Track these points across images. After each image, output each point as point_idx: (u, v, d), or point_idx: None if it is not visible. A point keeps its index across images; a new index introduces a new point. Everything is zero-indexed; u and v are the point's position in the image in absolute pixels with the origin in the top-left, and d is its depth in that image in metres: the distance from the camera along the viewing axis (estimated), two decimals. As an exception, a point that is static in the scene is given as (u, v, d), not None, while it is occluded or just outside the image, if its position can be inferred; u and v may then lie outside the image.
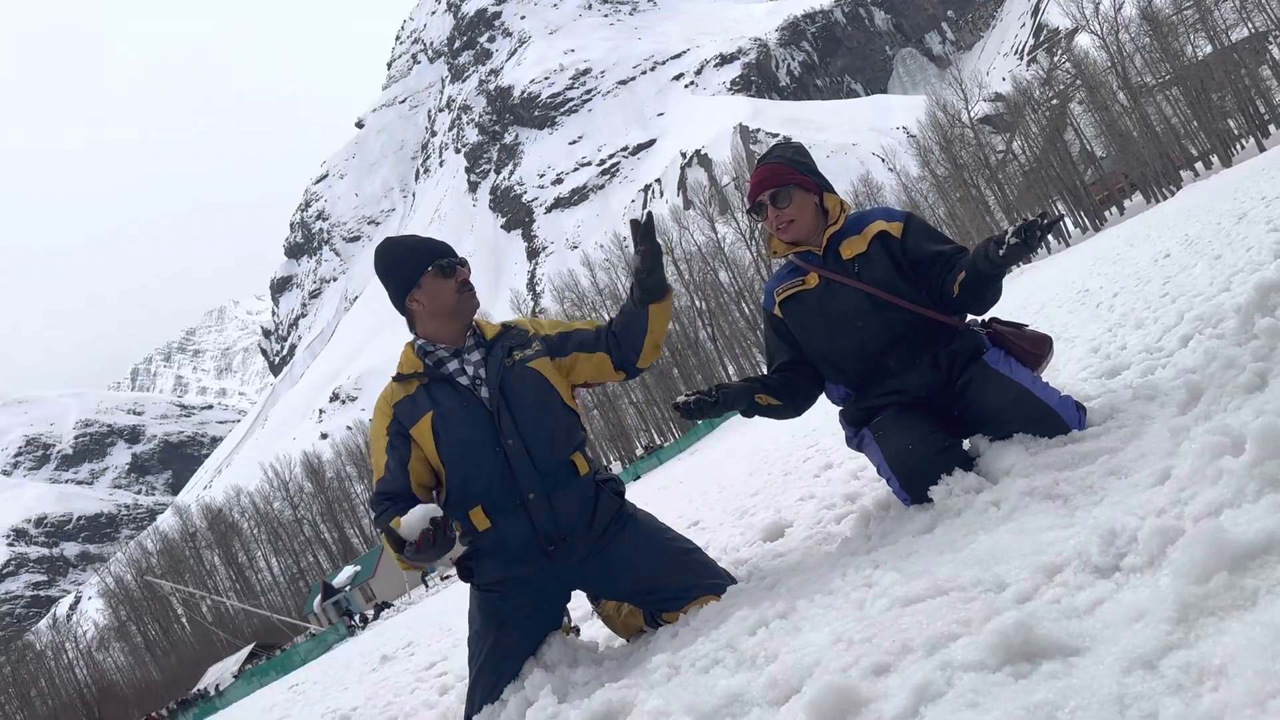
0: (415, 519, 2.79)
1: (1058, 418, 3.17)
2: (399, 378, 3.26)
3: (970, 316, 3.42)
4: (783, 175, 3.38)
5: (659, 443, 48.20)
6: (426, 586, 42.94)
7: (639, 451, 49.42)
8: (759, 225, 3.64)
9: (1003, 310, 4.13)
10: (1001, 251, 3.00)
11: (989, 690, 1.43)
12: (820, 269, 3.37)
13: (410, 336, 3.42)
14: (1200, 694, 1.18)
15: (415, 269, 3.25)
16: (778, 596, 2.97)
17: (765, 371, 3.61)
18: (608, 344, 3.35)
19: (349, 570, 43.38)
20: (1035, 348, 3.45)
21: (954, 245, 3.38)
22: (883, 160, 65.54)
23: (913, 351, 3.29)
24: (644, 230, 3.13)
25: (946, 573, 2.26)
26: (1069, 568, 1.84)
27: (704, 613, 3.20)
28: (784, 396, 3.45)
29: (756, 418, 3.49)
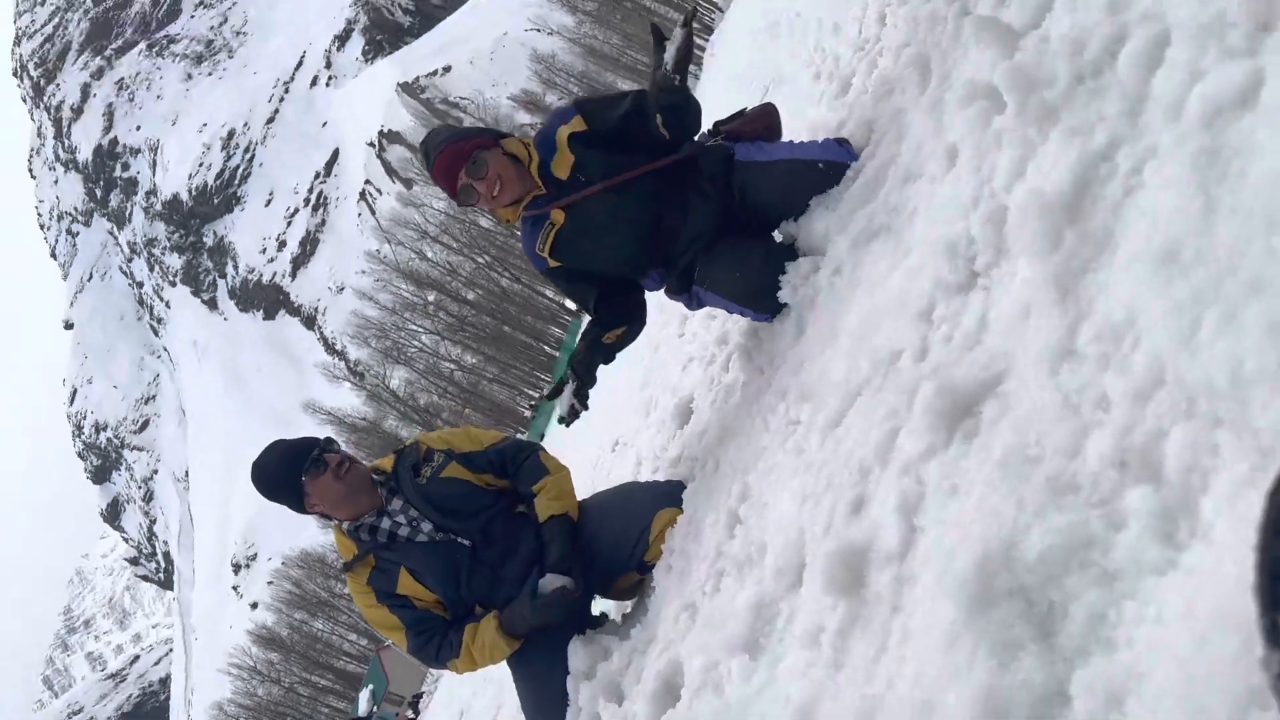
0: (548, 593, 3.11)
1: (830, 164, 3.20)
2: (348, 567, 3.27)
3: (698, 136, 3.41)
4: (460, 150, 3.24)
5: (535, 398, 48.06)
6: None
7: (527, 413, 49.18)
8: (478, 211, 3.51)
9: (725, 106, 4.14)
10: (665, 71, 2.97)
11: (956, 467, 1.42)
12: (554, 202, 3.28)
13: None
14: (1129, 355, 1.17)
15: (291, 487, 3.25)
16: (725, 479, 2.97)
17: (587, 315, 3.56)
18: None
19: (364, 694, 42.25)
20: (763, 120, 3.51)
21: (631, 95, 3.33)
22: (539, 30, 64.87)
23: (678, 201, 3.27)
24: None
25: (842, 369, 2.26)
26: (938, 300, 1.84)
27: (678, 533, 3.19)
28: (623, 320, 3.43)
29: (618, 355, 3.48)
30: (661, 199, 3.25)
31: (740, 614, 2.02)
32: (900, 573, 1.42)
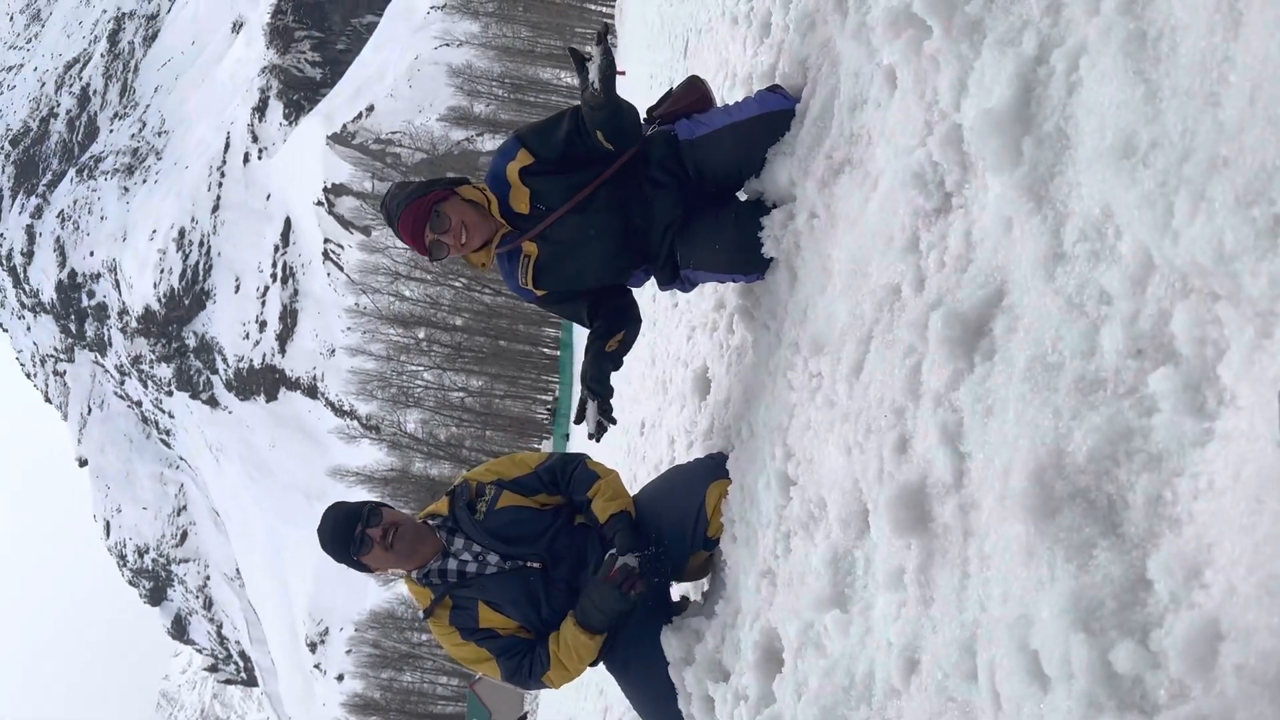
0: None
1: (772, 115, 3.24)
2: (429, 613, 3.35)
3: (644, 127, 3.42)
4: (419, 209, 3.27)
5: (550, 400, 48.17)
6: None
7: (545, 420, 49.30)
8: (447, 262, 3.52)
9: (648, 67, 4.14)
10: (593, 90, 2.97)
11: (985, 388, 1.47)
12: (523, 236, 3.32)
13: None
14: (1115, 246, 1.23)
15: (349, 560, 3.35)
16: (764, 443, 3.03)
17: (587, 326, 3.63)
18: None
19: (471, 727, 42.63)
20: (692, 93, 3.54)
21: (568, 114, 3.34)
22: (447, 44, 64.41)
23: (637, 198, 3.30)
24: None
25: (846, 312, 2.31)
26: (921, 229, 1.89)
27: (733, 502, 3.25)
28: (620, 324, 3.50)
29: (625, 358, 3.55)
30: (622, 203, 3.28)
31: (819, 571, 2.09)
32: (961, 500, 1.48)
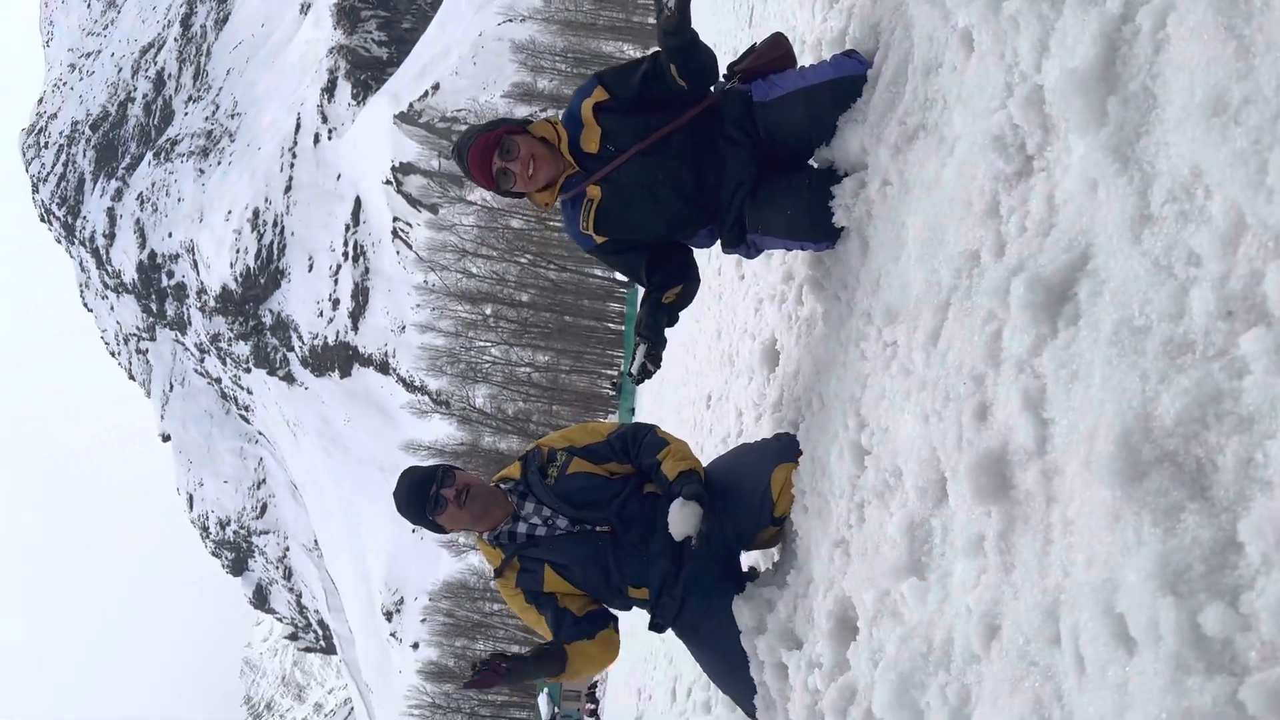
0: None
1: (846, 79, 3.20)
2: (499, 573, 3.42)
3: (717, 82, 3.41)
4: (489, 139, 3.31)
5: (614, 374, 48.45)
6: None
7: (611, 393, 49.58)
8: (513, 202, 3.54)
9: (715, 34, 4.11)
10: (668, 11, 2.95)
11: (1069, 353, 1.46)
12: (588, 179, 3.32)
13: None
14: (1205, 206, 1.20)
15: (426, 523, 3.43)
16: (835, 413, 3.02)
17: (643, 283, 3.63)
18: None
19: (542, 699, 43.24)
20: (774, 51, 3.48)
21: (648, 57, 3.35)
22: (511, 20, 64.49)
23: (711, 153, 3.28)
24: None
25: (922, 280, 2.29)
26: (999, 193, 1.86)
27: (805, 473, 3.24)
28: (678, 279, 3.52)
29: (680, 314, 3.56)
30: (695, 154, 3.26)
31: (895, 539, 2.09)
32: (1044, 466, 1.47)
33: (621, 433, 3.54)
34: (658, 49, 3.23)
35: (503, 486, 3.49)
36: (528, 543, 3.38)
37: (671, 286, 3.49)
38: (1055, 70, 1.59)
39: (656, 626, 3.47)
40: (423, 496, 3.34)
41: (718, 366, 8.92)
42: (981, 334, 1.78)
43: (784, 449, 3.44)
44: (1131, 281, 1.33)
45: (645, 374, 3.42)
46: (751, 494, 3.38)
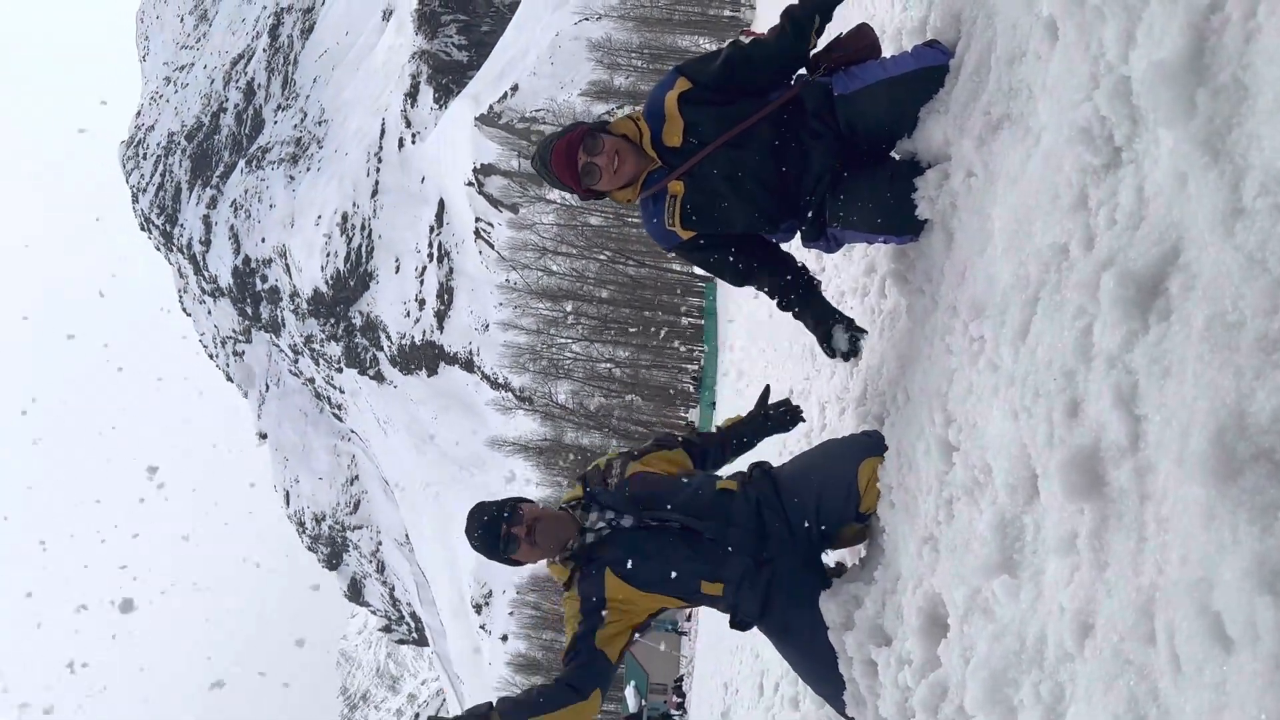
0: None
1: (928, 71, 3.16)
2: (567, 586, 3.39)
3: (800, 72, 3.40)
4: (573, 138, 3.35)
5: (693, 370, 48.49)
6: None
7: (690, 387, 49.61)
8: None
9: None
10: None
11: (1161, 349, 1.44)
12: (670, 175, 3.34)
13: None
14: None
15: (496, 554, 3.42)
16: (922, 408, 2.99)
17: (732, 284, 3.66)
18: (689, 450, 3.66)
19: (629, 691, 43.49)
20: (858, 41, 3.44)
21: (727, 46, 3.36)
22: (587, 19, 64.88)
23: (793, 145, 3.26)
24: None
25: (1009, 273, 2.26)
26: (1089, 185, 1.84)
27: (891, 468, 3.22)
28: (783, 263, 3.61)
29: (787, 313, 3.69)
30: (777, 147, 3.25)
31: (986, 536, 2.07)
32: (1137, 464, 1.46)
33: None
34: (736, 40, 3.24)
35: (567, 508, 3.48)
36: (591, 548, 3.36)
37: (779, 276, 3.58)
38: (1142, 62, 1.57)
39: (740, 625, 3.44)
40: (495, 538, 3.37)
41: (799, 360, 8.87)
42: (1071, 329, 1.76)
43: (870, 445, 3.42)
44: (1224, 276, 1.31)
45: (854, 345, 3.46)
46: (837, 488, 3.35)
